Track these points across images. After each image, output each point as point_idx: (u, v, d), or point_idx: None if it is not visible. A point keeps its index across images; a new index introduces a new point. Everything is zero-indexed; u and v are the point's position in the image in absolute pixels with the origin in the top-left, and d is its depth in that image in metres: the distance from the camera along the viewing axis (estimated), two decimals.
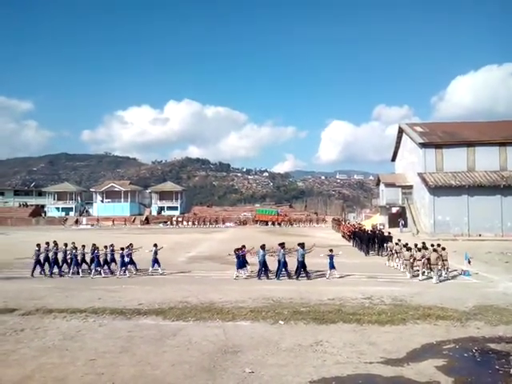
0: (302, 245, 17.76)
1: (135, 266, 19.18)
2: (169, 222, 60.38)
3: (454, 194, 38.46)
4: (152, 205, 73.38)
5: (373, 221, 52.74)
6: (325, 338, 9.88)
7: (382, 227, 43.61)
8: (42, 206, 74.22)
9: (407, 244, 19.29)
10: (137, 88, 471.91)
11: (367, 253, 25.41)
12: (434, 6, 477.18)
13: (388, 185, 48.48)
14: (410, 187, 45.87)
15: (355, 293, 14.69)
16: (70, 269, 18.84)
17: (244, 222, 60.56)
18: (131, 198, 71.92)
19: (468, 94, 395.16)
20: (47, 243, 19.22)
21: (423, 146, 41.65)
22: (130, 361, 8.55)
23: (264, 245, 18.05)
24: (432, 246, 18.47)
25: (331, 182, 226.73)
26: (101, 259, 18.65)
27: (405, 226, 43.98)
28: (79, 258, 18.92)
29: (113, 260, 18.98)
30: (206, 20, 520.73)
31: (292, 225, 58.16)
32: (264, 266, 17.66)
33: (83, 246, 19.36)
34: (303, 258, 17.42)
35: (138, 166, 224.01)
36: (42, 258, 18.64)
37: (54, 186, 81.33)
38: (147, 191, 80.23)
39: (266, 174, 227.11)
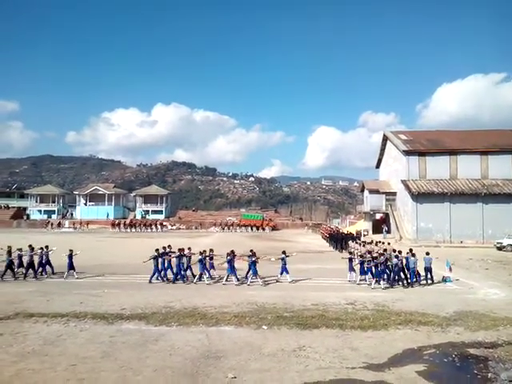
0: (427, 253, 18.63)
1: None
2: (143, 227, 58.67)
3: (436, 201, 39.07)
4: (136, 208, 72.59)
5: (357, 227, 53.49)
6: (308, 343, 9.93)
7: (365, 233, 44.18)
8: (24, 209, 72.84)
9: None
10: (125, 90, 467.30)
11: (337, 249, 26.36)
12: (422, 14, 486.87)
13: (372, 191, 49.02)
14: (394, 194, 46.43)
15: (338, 298, 14.79)
16: (199, 275, 18.00)
17: (229, 227, 60.33)
18: (115, 202, 71.05)
19: (453, 101, 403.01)
20: (157, 250, 18.47)
21: (407, 153, 42.22)
22: (111, 366, 8.46)
23: (399, 250, 18.29)
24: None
25: (317, 187, 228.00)
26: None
27: (388, 232, 44.46)
28: (207, 263, 18.22)
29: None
30: (195, 25, 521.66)
31: (272, 229, 58.36)
32: (399, 274, 17.77)
33: (211, 250, 18.91)
34: (430, 264, 18.03)
35: (122, 169, 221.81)
36: (159, 264, 18.02)
37: (37, 188, 79.69)
38: (132, 194, 79.24)
39: (251, 178, 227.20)
